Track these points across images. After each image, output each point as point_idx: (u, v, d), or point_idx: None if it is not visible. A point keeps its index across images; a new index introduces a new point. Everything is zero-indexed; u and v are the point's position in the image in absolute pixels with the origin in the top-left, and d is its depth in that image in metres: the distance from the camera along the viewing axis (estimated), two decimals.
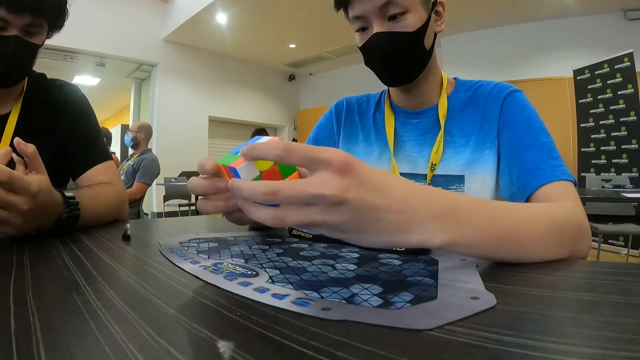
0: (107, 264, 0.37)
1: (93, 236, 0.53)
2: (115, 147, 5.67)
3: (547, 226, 0.38)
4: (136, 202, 2.71)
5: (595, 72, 3.76)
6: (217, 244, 0.45)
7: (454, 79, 0.74)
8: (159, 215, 5.13)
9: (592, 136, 3.81)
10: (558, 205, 0.47)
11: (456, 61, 5.27)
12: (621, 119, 3.51)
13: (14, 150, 0.49)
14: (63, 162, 0.78)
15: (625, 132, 3.48)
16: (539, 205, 0.48)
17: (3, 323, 0.21)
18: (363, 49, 0.65)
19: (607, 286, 0.28)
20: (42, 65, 2.34)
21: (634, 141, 3.42)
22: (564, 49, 4.63)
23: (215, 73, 6.65)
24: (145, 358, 0.17)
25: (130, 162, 2.82)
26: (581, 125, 3.94)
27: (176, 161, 5.32)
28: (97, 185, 0.72)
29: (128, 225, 0.54)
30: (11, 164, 0.47)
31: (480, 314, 0.22)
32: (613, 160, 3.62)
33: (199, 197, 0.37)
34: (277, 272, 0.32)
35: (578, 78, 3.96)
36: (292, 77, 8.00)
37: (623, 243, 3.35)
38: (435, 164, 0.67)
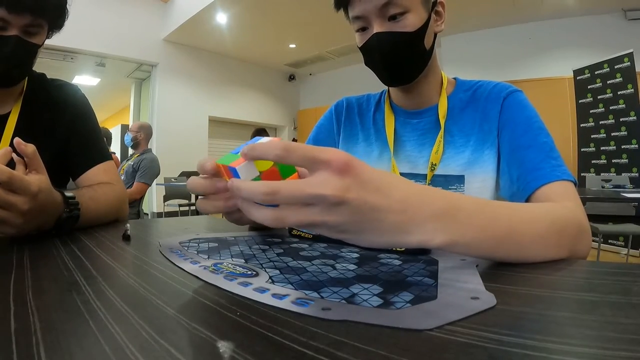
0: (107, 264, 0.37)
1: (93, 236, 0.53)
2: (115, 147, 5.67)
3: (547, 226, 0.38)
4: (136, 202, 2.71)
5: (595, 72, 3.76)
6: (217, 244, 0.45)
7: (454, 79, 0.74)
8: (159, 215, 5.13)
9: (592, 136, 3.81)
10: (558, 206, 0.47)
11: (456, 61, 5.27)
12: (621, 119, 3.51)
13: (14, 150, 0.49)
14: (63, 162, 0.78)
15: (625, 132, 3.48)
16: (539, 205, 0.48)
17: (3, 323, 0.21)
18: (363, 49, 0.65)
19: (607, 286, 0.28)
20: (42, 65, 2.34)
21: (634, 141, 3.42)
22: (564, 49, 4.63)
23: (215, 73, 6.65)
24: (145, 358, 0.17)
25: (130, 162, 2.82)
26: (581, 125, 3.94)
27: (176, 161, 5.32)
28: (97, 185, 0.72)
29: (128, 225, 0.54)
30: (11, 164, 0.47)
31: (480, 314, 0.22)
32: (613, 160, 3.62)
33: (199, 197, 0.37)
34: (277, 272, 0.32)
35: (578, 78, 3.96)
36: (292, 77, 8.00)
37: (623, 243, 3.35)
38: (435, 164, 0.67)
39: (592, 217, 1.96)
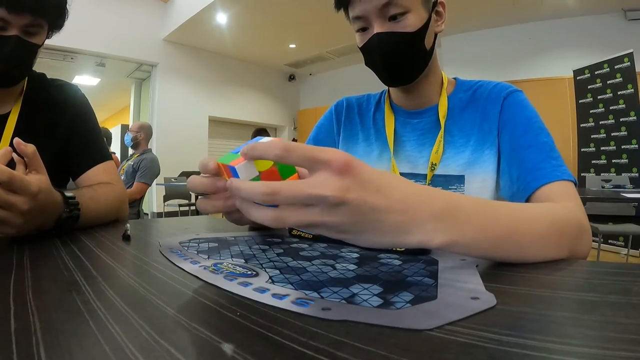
0: (107, 264, 0.37)
1: (93, 236, 0.53)
2: (115, 147, 5.67)
3: (547, 226, 0.38)
4: (136, 202, 2.71)
5: (595, 72, 3.76)
6: (217, 244, 0.45)
7: (454, 79, 0.74)
8: (159, 215, 5.13)
9: (592, 136, 3.81)
10: (558, 206, 0.47)
11: (456, 61, 5.27)
12: (621, 119, 3.51)
13: (14, 150, 0.49)
14: (63, 162, 0.78)
15: (625, 132, 3.48)
16: (539, 205, 0.48)
17: (3, 323, 0.21)
18: (363, 49, 0.65)
19: (607, 286, 0.28)
20: (42, 65, 2.34)
21: (634, 141, 3.42)
22: (564, 49, 4.63)
23: (215, 73, 6.65)
24: (145, 358, 0.17)
25: (130, 162, 2.82)
26: (581, 125, 3.94)
27: (176, 161, 5.32)
28: (97, 185, 0.72)
29: (128, 225, 0.54)
30: (11, 164, 0.47)
31: (480, 314, 0.22)
32: (613, 161, 3.62)
33: (199, 197, 0.37)
34: (277, 272, 0.32)
35: (578, 78, 3.96)
36: (292, 77, 8.00)
37: (623, 243, 3.35)
38: (435, 164, 0.67)
39: (592, 217, 1.96)
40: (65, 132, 0.78)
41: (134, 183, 2.71)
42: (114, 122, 8.79)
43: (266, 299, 0.25)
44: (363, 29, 0.64)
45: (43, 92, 0.78)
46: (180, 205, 4.38)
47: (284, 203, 0.26)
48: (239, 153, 0.30)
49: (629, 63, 3.46)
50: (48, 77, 0.82)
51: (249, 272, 0.32)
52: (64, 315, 0.23)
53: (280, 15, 5.08)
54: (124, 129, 5.89)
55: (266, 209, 0.27)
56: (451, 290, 0.27)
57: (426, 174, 0.68)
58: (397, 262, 0.36)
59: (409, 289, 0.27)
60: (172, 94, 6.06)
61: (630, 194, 2.09)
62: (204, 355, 0.18)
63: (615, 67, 3.56)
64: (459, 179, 0.66)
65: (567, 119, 4.27)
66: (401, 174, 0.70)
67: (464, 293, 0.26)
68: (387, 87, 0.77)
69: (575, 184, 0.55)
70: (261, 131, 4.29)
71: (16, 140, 0.48)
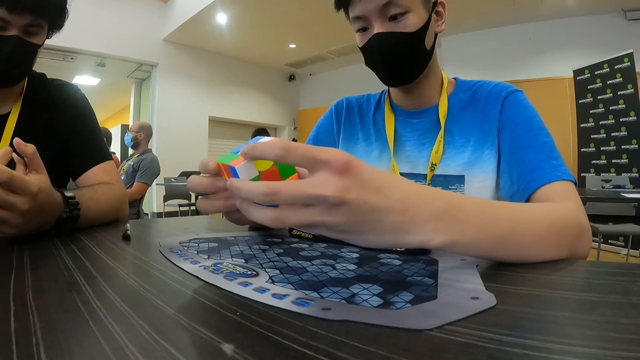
0: (107, 264, 0.37)
1: (93, 236, 0.53)
2: (115, 147, 5.66)
3: (547, 226, 0.38)
4: (136, 202, 2.71)
5: (595, 72, 3.76)
6: (217, 244, 0.45)
7: (454, 79, 0.74)
8: (159, 215, 5.13)
9: (592, 136, 3.81)
10: (558, 206, 0.47)
11: (456, 61, 5.27)
12: (621, 119, 3.51)
13: (14, 150, 0.49)
14: (63, 162, 0.78)
15: (625, 133, 3.48)
16: (539, 205, 0.48)
17: (3, 323, 0.21)
18: (364, 49, 0.65)
19: (607, 286, 0.28)
20: (42, 65, 2.34)
21: (634, 141, 3.42)
22: (564, 49, 4.63)
23: (215, 73, 6.65)
24: (145, 358, 0.17)
25: (130, 162, 2.82)
26: (581, 125, 3.94)
27: (176, 161, 5.32)
28: (97, 185, 0.72)
29: (128, 225, 0.54)
30: (11, 164, 0.47)
31: (480, 314, 0.22)
32: (613, 161, 3.62)
33: (199, 197, 0.37)
34: (277, 272, 0.32)
35: (578, 78, 3.96)
36: (292, 77, 8.00)
37: (623, 243, 3.35)
38: (436, 164, 0.67)
39: (592, 217, 1.96)
40: (65, 132, 0.78)
41: (134, 183, 2.71)
42: (114, 122, 8.79)
43: (266, 299, 0.25)
44: (363, 29, 0.64)
45: (43, 92, 0.78)
46: (180, 205, 4.38)
47: (284, 203, 0.26)
48: (239, 153, 0.30)
49: (629, 63, 3.46)
50: (48, 77, 0.82)
51: (249, 272, 0.32)
52: (64, 315, 0.23)
53: (280, 15, 5.08)
54: (124, 129, 5.89)
55: (266, 209, 0.27)
56: (451, 290, 0.27)
57: (426, 174, 0.68)
58: (397, 262, 0.36)
59: (409, 289, 0.27)
60: (172, 94, 6.06)
61: (630, 194, 2.09)
62: (204, 355, 0.18)
63: (615, 67, 3.56)
64: (459, 179, 0.66)
65: (567, 119, 4.27)
66: (401, 174, 0.70)
67: (464, 293, 0.26)
68: (387, 87, 0.77)
69: (575, 184, 0.55)
70: (261, 131, 4.29)
71: (16, 140, 0.48)
